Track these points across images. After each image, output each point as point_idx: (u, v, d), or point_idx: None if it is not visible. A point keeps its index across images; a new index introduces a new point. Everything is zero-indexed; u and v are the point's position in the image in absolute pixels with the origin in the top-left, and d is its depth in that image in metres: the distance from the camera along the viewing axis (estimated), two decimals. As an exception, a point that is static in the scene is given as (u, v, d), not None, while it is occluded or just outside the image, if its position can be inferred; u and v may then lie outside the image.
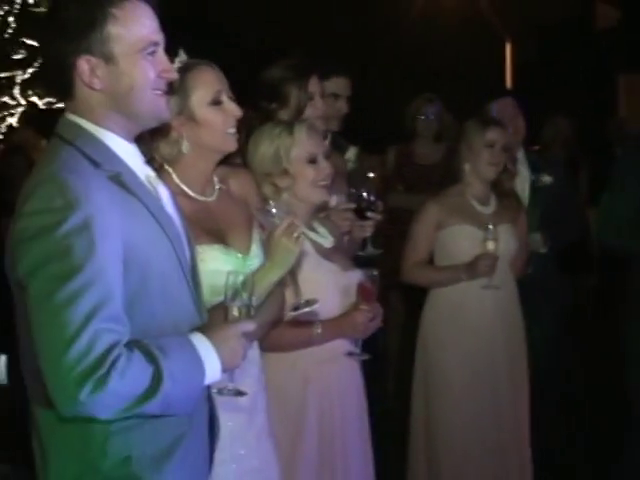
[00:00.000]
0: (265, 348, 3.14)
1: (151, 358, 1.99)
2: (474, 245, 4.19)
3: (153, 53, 2.19)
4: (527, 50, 14.25)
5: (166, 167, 2.88)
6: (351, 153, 4.62)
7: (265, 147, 3.34)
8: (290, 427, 3.33)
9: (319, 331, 3.33)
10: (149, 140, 2.78)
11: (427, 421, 4.37)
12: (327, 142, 3.91)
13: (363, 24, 14.06)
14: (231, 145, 2.91)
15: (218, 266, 2.79)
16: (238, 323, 2.29)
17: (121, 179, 2.14)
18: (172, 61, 2.85)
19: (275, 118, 3.72)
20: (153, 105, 2.21)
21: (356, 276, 3.41)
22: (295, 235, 2.80)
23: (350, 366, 3.48)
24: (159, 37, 2.22)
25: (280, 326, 3.20)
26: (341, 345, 3.42)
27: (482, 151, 4.32)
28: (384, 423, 5.04)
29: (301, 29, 13.39)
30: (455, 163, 4.42)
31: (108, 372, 1.91)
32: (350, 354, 3.43)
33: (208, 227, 2.87)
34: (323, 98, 3.94)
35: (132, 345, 2.00)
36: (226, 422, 2.65)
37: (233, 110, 2.87)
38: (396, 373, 6.15)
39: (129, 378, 1.94)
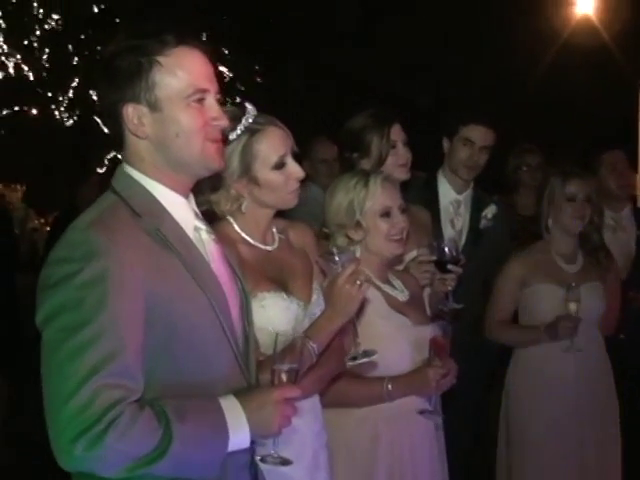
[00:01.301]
0: (330, 404, 3.07)
1: (163, 418, 1.94)
2: (556, 305, 4.03)
3: (201, 100, 2.17)
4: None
5: (227, 217, 2.89)
6: (489, 211, 4.54)
7: (340, 198, 3.30)
8: (358, 485, 3.23)
9: (389, 388, 3.22)
10: (209, 194, 2.79)
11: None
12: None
13: (497, 69, 13.94)
14: (291, 202, 2.91)
15: (279, 313, 2.78)
16: (281, 389, 2.20)
17: (159, 232, 2.11)
18: (242, 114, 2.86)
19: (357, 168, 3.70)
20: (202, 154, 2.18)
21: (430, 330, 3.31)
22: (358, 282, 2.74)
23: (424, 424, 3.34)
24: (208, 84, 2.19)
25: (344, 381, 3.12)
26: (413, 402, 3.30)
27: (564, 204, 4.16)
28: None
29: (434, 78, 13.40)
30: (539, 217, 4.28)
31: (105, 429, 1.87)
32: (422, 412, 3.31)
33: (270, 274, 2.85)
34: (406, 146, 3.89)
35: (144, 404, 1.96)
36: None
37: (296, 172, 2.87)
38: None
39: (131, 437, 1.90)
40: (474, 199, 4.56)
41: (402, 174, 3.83)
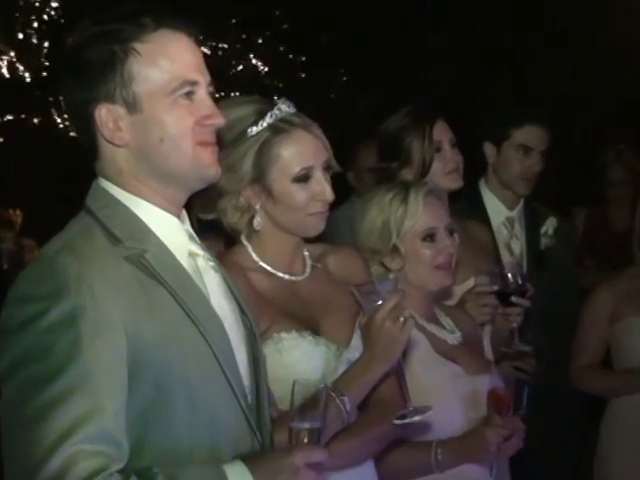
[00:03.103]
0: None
1: None
2: None
3: (190, 95, 2.13)
4: None
5: (242, 239, 2.83)
6: (549, 225, 4.45)
7: (373, 217, 3.24)
8: None
9: (438, 455, 3.14)
10: (216, 199, 2.73)
11: None
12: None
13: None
14: (311, 229, 2.83)
15: (302, 358, 2.72)
16: (301, 451, 2.13)
17: (144, 261, 2.08)
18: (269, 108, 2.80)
19: (397, 179, 3.62)
20: (193, 161, 2.14)
21: (487, 381, 3.23)
22: (402, 319, 2.66)
23: (485, 499, 3.26)
24: (198, 74, 2.15)
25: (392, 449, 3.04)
26: (470, 471, 3.21)
27: None
28: None
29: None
30: (634, 235, 4.22)
31: None
32: (483, 484, 3.23)
33: (293, 310, 2.79)
34: (454, 147, 3.80)
35: (130, 473, 1.91)
36: None
37: (322, 193, 2.78)
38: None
39: None
40: (528, 213, 4.47)
41: (452, 182, 3.77)
